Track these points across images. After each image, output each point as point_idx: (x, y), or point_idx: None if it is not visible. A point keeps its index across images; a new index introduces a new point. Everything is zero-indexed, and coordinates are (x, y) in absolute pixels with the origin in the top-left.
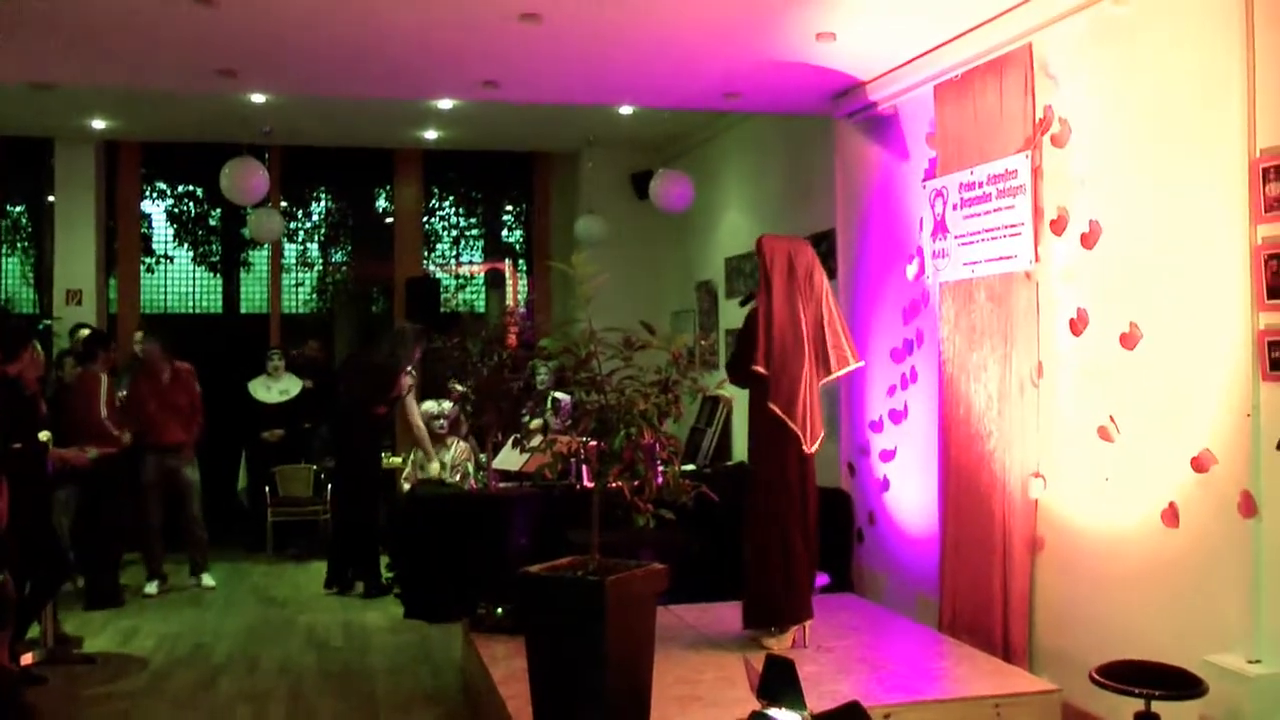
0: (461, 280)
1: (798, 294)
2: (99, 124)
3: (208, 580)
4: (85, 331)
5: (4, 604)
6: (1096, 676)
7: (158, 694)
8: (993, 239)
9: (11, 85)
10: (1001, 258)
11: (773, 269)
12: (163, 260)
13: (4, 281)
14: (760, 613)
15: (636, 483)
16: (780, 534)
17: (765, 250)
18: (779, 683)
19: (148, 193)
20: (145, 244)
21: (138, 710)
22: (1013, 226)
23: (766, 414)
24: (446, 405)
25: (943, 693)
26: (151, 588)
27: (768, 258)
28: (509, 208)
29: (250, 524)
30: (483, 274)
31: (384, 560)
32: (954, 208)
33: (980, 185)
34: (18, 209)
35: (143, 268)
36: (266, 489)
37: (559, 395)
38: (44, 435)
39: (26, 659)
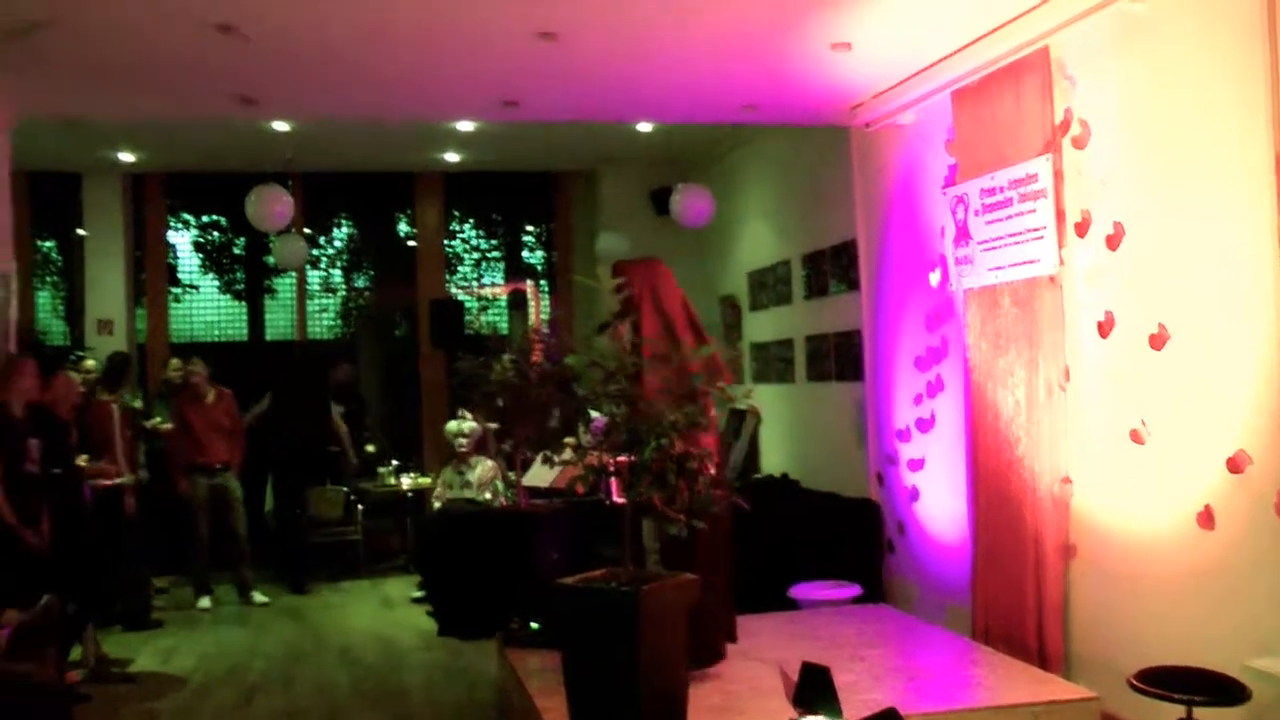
0: (484, 302)
1: None
2: (125, 156)
3: (260, 597)
4: (91, 362)
5: (51, 624)
6: (1135, 683)
7: (196, 712)
8: (1016, 244)
9: (40, 121)
10: (1025, 262)
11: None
12: (189, 289)
13: (36, 314)
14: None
15: (668, 494)
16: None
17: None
18: (815, 691)
19: (173, 223)
20: (171, 274)
21: None
22: (1035, 230)
23: None
24: (468, 425)
25: (979, 701)
26: (205, 602)
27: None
28: (529, 228)
29: (278, 545)
30: (505, 295)
31: (416, 579)
32: (975, 213)
33: (1001, 190)
34: (48, 244)
35: (170, 297)
36: (298, 511)
37: (592, 413)
38: (81, 460)
39: (71, 677)
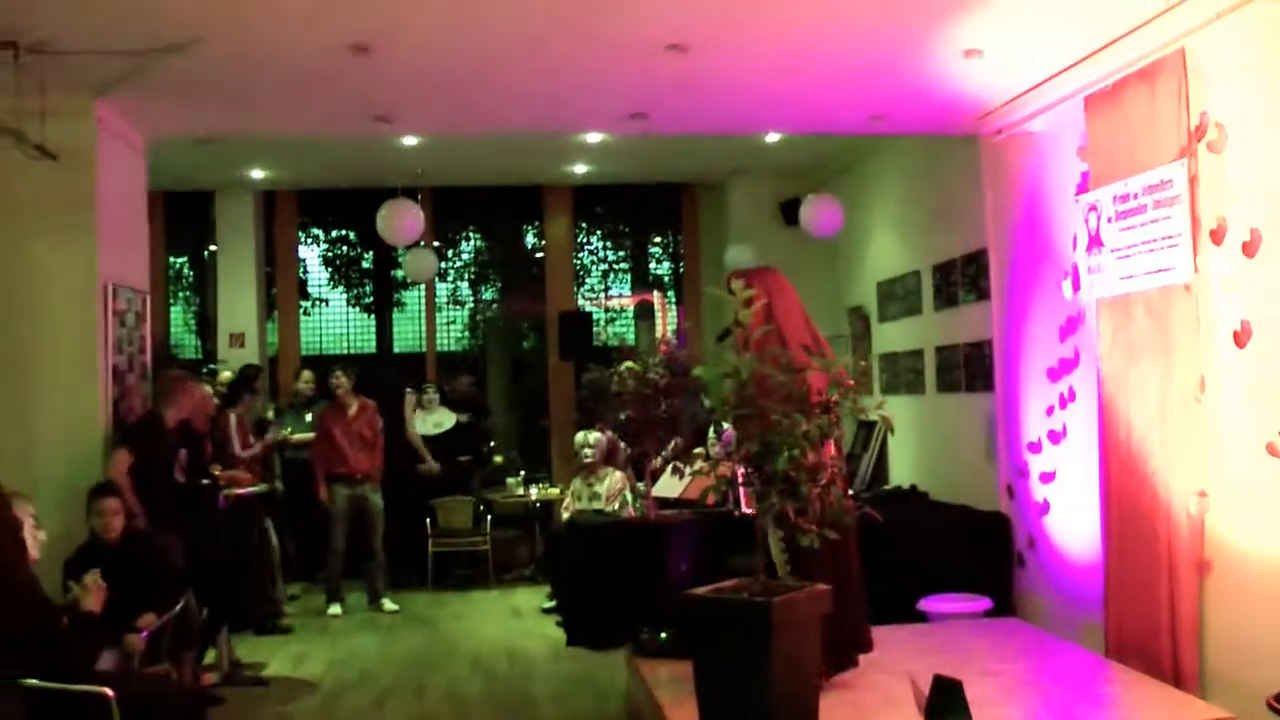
0: (611, 313)
1: None
2: (257, 174)
3: (389, 605)
4: (226, 374)
5: (190, 626)
6: (1274, 704)
7: (329, 716)
8: (1149, 251)
9: (174, 141)
10: (1159, 270)
11: None
12: (318, 303)
13: (169, 329)
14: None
15: (800, 504)
16: None
17: None
18: (947, 704)
19: (303, 238)
20: (302, 288)
21: None
22: (1170, 238)
23: None
24: (594, 436)
25: (1113, 719)
26: (336, 609)
27: None
28: (657, 239)
29: (408, 554)
30: (632, 306)
31: (544, 589)
32: (1108, 221)
33: (1135, 197)
34: (180, 260)
35: (300, 311)
36: (427, 520)
37: (724, 424)
38: (216, 469)
39: (206, 680)
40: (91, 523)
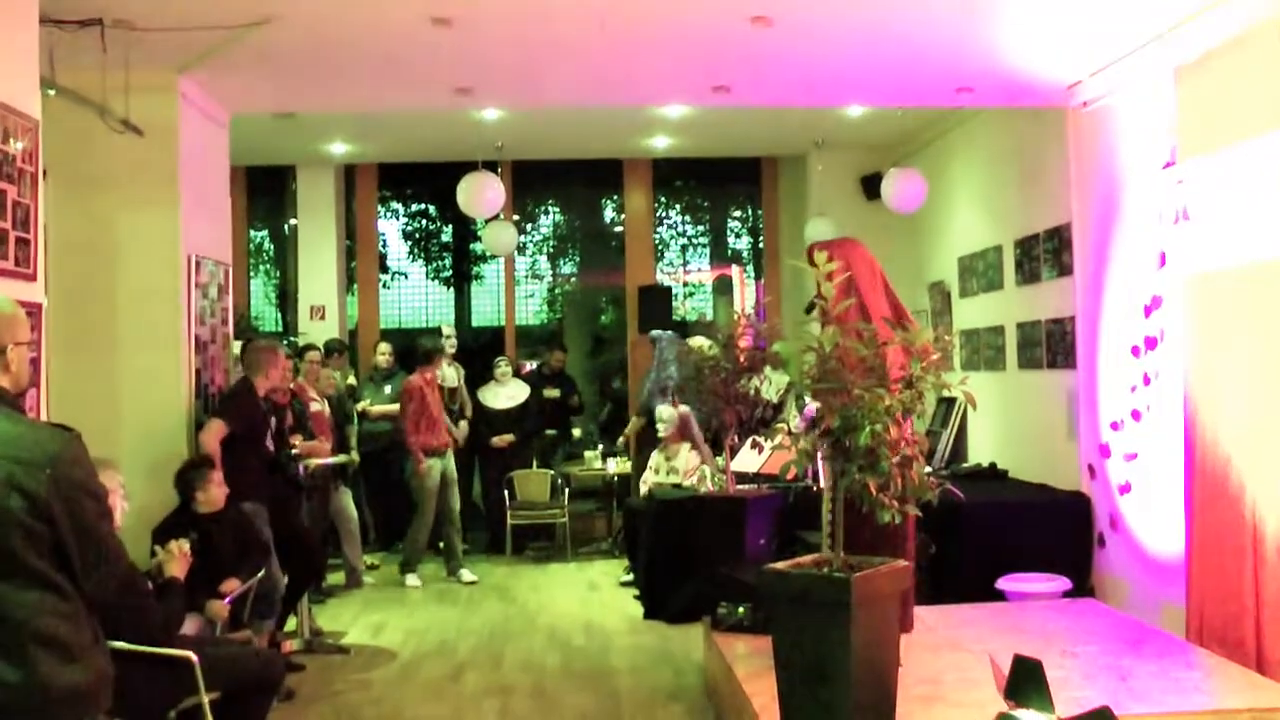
0: (690, 288)
1: None
2: (338, 148)
3: (468, 575)
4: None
5: (273, 594)
6: None
7: (408, 684)
8: (1239, 227)
9: (256, 116)
10: (1249, 246)
11: None
12: (397, 276)
13: (250, 301)
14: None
15: (882, 480)
16: None
17: None
18: (1026, 685)
19: (383, 212)
20: (381, 261)
21: (390, 698)
22: (1261, 212)
23: None
24: (668, 411)
25: (1195, 705)
26: (414, 579)
27: None
28: (736, 213)
29: (487, 526)
30: (711, 280)
31: (622, 562)
32: (1197, 195)
33: (1225, 170)
34: (260, 234)
35: (380, 284)
36: (505, 493)
37: (806, 398)
38: (296, 440)
39: (286, 647)
40: (195, 496)
